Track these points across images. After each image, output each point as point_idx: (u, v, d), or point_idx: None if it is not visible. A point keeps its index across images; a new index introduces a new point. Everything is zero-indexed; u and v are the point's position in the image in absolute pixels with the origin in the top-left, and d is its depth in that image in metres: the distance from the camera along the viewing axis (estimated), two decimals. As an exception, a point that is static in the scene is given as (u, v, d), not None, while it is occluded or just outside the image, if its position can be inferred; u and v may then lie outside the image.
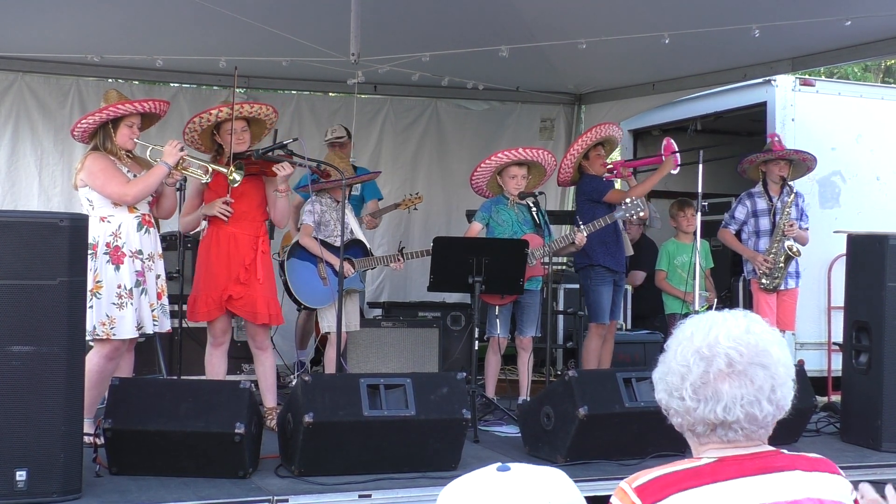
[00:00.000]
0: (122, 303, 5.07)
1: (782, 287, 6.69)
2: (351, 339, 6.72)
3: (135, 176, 5.25)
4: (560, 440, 4.95)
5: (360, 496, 4.41)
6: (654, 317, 7.97)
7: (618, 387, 5.05)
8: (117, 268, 5.09)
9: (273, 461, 4.81)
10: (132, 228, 5.17)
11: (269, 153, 5.66)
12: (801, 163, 6.86)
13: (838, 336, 6.67)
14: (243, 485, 4.47)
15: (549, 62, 8.12)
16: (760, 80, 7.98)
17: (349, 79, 7.49)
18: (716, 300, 7.26)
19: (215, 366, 5.66)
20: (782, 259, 6.62)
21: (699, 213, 6.30)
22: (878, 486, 1.92)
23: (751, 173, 6.94)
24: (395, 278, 8.87)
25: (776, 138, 6.81)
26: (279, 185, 5.62)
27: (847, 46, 7.08)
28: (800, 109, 7.96)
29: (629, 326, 8.15)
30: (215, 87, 8.87)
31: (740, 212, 6.84)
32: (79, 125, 5.27)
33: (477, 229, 6.47)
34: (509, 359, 6.92)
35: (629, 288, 8.03)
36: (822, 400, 7.00)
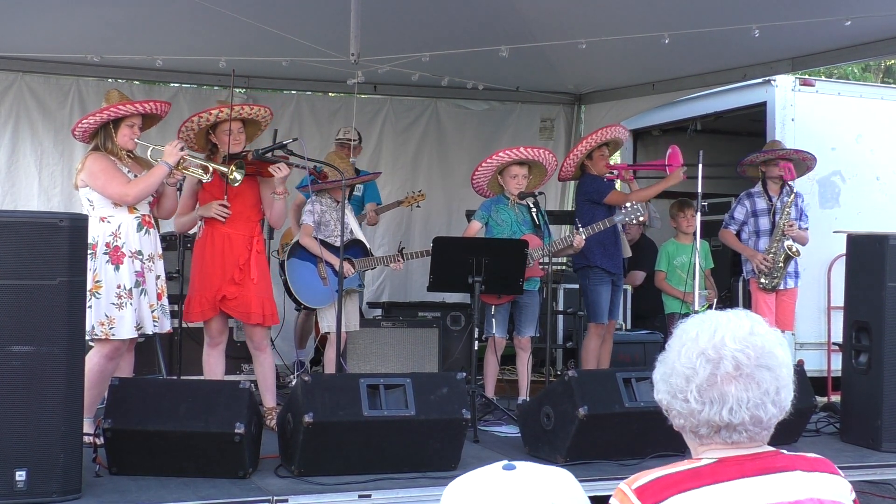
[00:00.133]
0: (122, 303, 5.07)
1: (781, 287, 6.70)
2: (351, 339, 6.72)
3: (135, 176, 5.25)
4: (560, 440, 4.95)
5: (360, 496, 4.40)
6: (654, 317, 7.97)
7: (618, 387, 5.05)
8: (117, 268, 5.09)
9: (273, 461, 4.80)
10: (132, 229, 5.17)
11: (268, 153, 5.66)
12: (801, 162, 6.86)
13: (838, 336, 6.67)
14: (243, 485, 4.47)
15: (549, 62, 8.12)
16: (760, 80, 7.99)
17: (349, 79, 7.49)
18: (716, 300, 7.27)
19: (213, 366, 5.66)
20: (782, 258, 6.62)
21: (699, 214, 6.30)
22: (879, 486, 1.92)
23: (751, 173, 6.94)
24: (395, 278, 8.87)
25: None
26: (277, 188, 5.62)
27: (847, 46, 7.09)
28: (800, 109, 7.96)
29: (629, 326, 8.15)
30: (215, 87, 8.87)
31: (740, 212, 6.85)
32: (80, 125, 5.28)
33: (476, 228, 6.47)
34: (509, 359, 6.92)
35: (629, 288, 8.04)
36: (822, 400, 7.00)
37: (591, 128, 9.03)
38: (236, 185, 5.44)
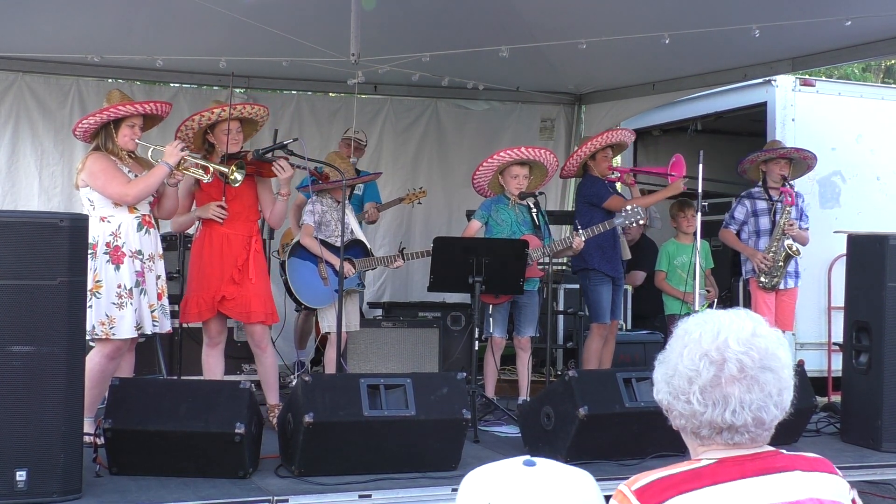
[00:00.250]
0: (122, 303, 5.07)
1: (781, 286, 6.70)
2: (351, 340, 6.72)
3: (136, 176, 5.25)
4: (560, 440, 4.95)
5: (360, 496, 4.41)
6: (654, 317, 7.97)
7: (618, 387, 5.05)
8: (117, 268, 5.09)
9: (273, 461, 4.80)
10: (132, 228, 5.18)
11: (268, 153, 5.66)
12: (802, 161, 6.86)
13: (838, 336, 6.67)
14: (243, 485, 4.47)
15: (549, 62, 8.12)
16: (760, 80, 7.99)
17: (349, 79, 7.49)
18: (716, 299, 7.27)
19: (212, 366, 5.65)
20: (782, 257, 6.62)
21: (699, 214, 6.30)
22: (879, 486, 1.92)
23: (751, 173, 6.95)
24: (396, 279, 8.87)
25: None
26: (281, 189, 5.63)
27: (847, 46, 7.09)
28: (800, 109, 7.96)
29: (629, 326, 8.16)
30: (215, 87, 8.87)
31: (740, 212, 6.85)
32: (80, 125, 5.28)
33: (475, 227, 6.47)
34: (509, 359, 6.92)
35: (629, 288, 8.04)
36: (822, 400, 7.00)
37: (591, 128, 9.05)
38: (237, 185, 5.45)
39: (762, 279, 6.66)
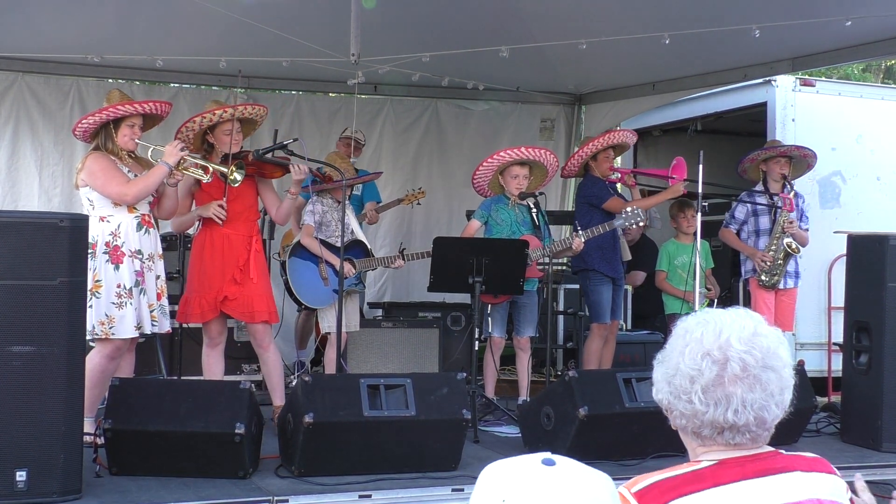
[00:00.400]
0: (122, 302, 5.07)
1: (781, 286, 6.70)
2: (351, 340, 6.71)
3: (136, 176, 5.25)
4: (560, 440, 4.95)
5: (360, 496, 4.41)
6: (654, 317, 7.97)
7: (618, 387, 5.05)
8: (116, 267, 5.09)
9: (273, 461, 4.80)
10: (131, 228, 5.18)
11: (268, 153, 5.65)
12: (802, 159, 6.86)
13: (838, 336, 6.67)
14: (243, 485, 4.47)
15: (549, 62, 8.12)
16: (760, 80, 7.99)
17: (349, 79, 7.49)
18: (716, 299, 7.27)
19: (212, 366, 5.64)
20: (781, 256, 6.62)
21: (699, 214, 6.30)
22: (879, 487, 1.92)
23: (751, 173, 6.95)
24: (397, 279, 8.88)
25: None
26: (291, 188, 5.63)
27: (847, 46, 7.09)
28: (800, 110, 7.96)
29: (629, 326, 8.16)
30: (215, 87, 8.87)
31: (740, 211, 6.86)
32: (80, 124, 5.28)
33: (475, 227, 6.47)
34: (509, 359, 6.92)
35: (629, 288, 8.04)
36: (822, 400, 7.00)
37: (591, 128, 9.05)
38: (236, 185, 5.44)
39: (763, 278, 6.66)
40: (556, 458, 1.55)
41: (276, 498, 4.28)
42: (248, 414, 4.55)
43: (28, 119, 8.06)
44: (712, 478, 1.78)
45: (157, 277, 5.31)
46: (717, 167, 7.51)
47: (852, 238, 6.10)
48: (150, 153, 5.36)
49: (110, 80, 8.07)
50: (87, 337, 4.77)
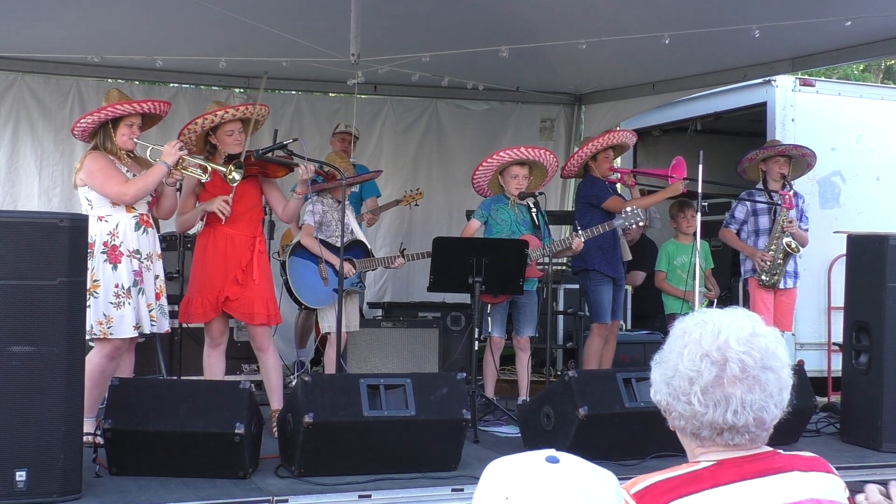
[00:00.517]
0: (120, 302, 5.06)
1: (781, 286, 6.70)
2: (351, 340, 6.71)
3: (134, 176, 5.25)
4: (560, 440, 4.95)
5: (360, 496, 4.41)
6: (654, 317, 7.97)
7: (618, 387, 5.06)
8: (115, 267, 5.09)
9: (273, 461, 4.81)
10: (130, 228, 5.17)
11: (268, 153, 5.65)
12: (801, 159, 6.86)
13: (838, 336, 6.67)
14: (243, 485, 4.47)
15: (549, 62, 8.12)
16: (760, 80, 7.99)
17: (349, 79, 7.49)
18: (716, 299, 7.27)
19: (213, 367, 5.62)
20: (781, 256, 6.62)
21: (699, 214, 6.30)
22: (883, 485, 1.91)
23: (751, 173, 6.95)
24: (397, 279, 8.88)
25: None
26: (298, 187, 5.63)
27: (847, 46, 7.09)
28: (800, 110, 7.96)
29: (629, 327, 8.15)
30: (215, 88, 8.87)
31: (740, 211, 6.86)
32: (79, 124, 5.28)
33: (475, 227, 6.47)
34: (508, 359, 6.92)
35: (629, 288, 8.04)
36: (822, 400, 7.00)
37: (591, 128, 9.05)
38: (235, 185, 5.43)
39: (763, 278, 6.66)
40: (561, 455, 1.53)
41: (276, 498, 4.28)
42: (248, 414, 4.56)
43: (28, 119, 8.06)
44: (711, 478, 1.78)
45: (156, 277, 5.31)
46: (717, 167, 7.51)
47: (852, 238, 6.10)
48: (148, 153, 5.36)
49: (110, 80, 8.06)
50: (86, 337, 4.77)
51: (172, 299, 6.05)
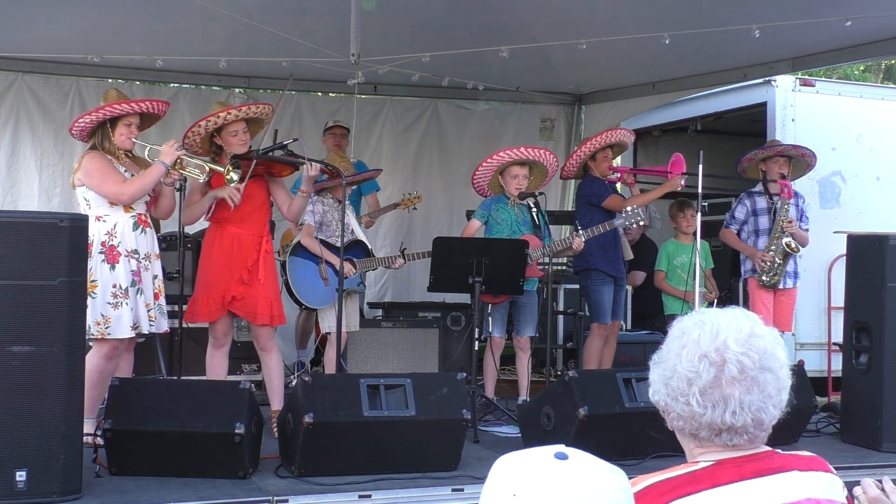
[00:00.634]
0: (118, 302, 5.06)
1: (781, 286, 6.70)
2: (351, 340, 6.71)
3: (133, 176, 5.24)
4: (560, 440, 4.90)
5: (360, 496, 4.41)
6: (654, 317, 7.97)
7: (618, 387, 5.05)
8: (112, 267, 5.08)
9: (273, 461, 4.81)
10: (128, 228, 5.17)
11: (269, 153, 5.65)
12: (801, 159, 6.86)
13: (838, 336, 6.67)
14: (243, 485, 4.47)
15: (549, 62, 8.12)
16: (760, 80, 7.99)
17: (349, 79, 7.49)
18: (716, 299, 7.27)
19: (216, 367, 5.61)
20: (780, 256, 6.62)
21: (699, 214, 6.30)
22: (878, 481, 1.92)
23: (750, 173, 6.95)
24: (397, 279, 8.88)
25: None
26: (303, 185, 5.62)
27: (847, 46, 7.09)
28: (800, 110, 7.96)
29: (629, 327, 8.15)
30: (215, 88, 8.87)
31: (740, 211, 6.86)
32: (77, 123, 5.28)
33: (475, 227, 6.47)
34: (509, 359, 6.92)
35: (629, 288, 8.03)
36: (822, 400, 7.00)
37: (591, 128, 9.05)
38: (232, 185, 5.41)
39: (763, 278, 6.66)
40: (570, 451, 1.52)
41: (276, 498, 4.28)
42: (248, 414, 4.56)
43: (28, 119, 8.06)
44: (710, 478, 1.78)
45: (155, 277, 5.30)
46: (717, 167, 7.51)
47: (852, 238, 6.10)
48: (146, 152, 5.35)
49: (110, 80, 8.06)
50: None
51: (172, 299, 6.05)
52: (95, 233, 5.07)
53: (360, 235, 6.55)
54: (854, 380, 5.92)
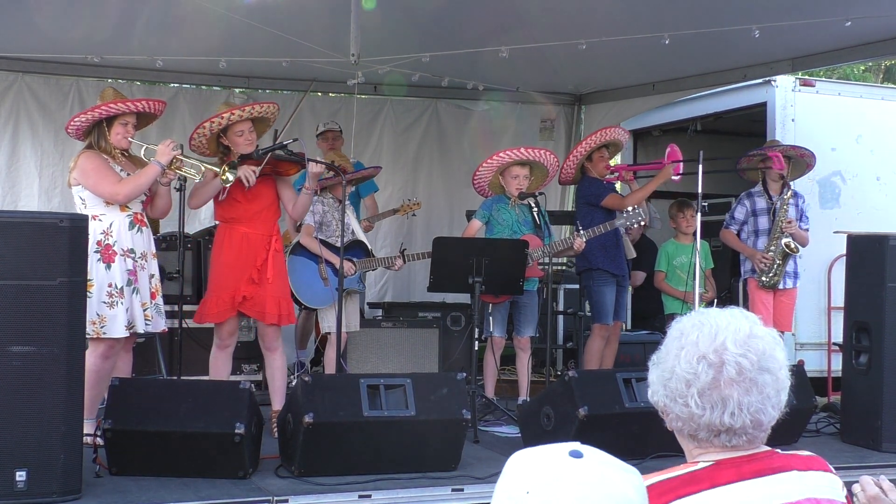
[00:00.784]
0: (113, 302, 5.05)
1: (780, 286, 6.69)
2: (351, 340, 6.71)
3: (129, 175, 5.24)
4: (560, 441, 4.93)
5: (360, 496, 4.41)
6: (654, 317, 7.96)
7: (618, 387, 5.05)
8: (108, 266, 5.08)
9: (273, 461, 4.81)
10: (124, 227, 5.17)
11: (269, 153, 5.64)
12: (800, 159, 6.86)
13: (838, 336, 6.67)
14: (243, 485, 4.47)
15: (549, 62, 8.12)
16: (760, 80, 7.99)
17: (349, 79, 7.49)
18: (715, 300, 7.27)
19: (219, 368, 5.60)
20: (780, 256, 6.62)
21: (699, 214, 6.30)
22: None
23: (750, 173, 6.95)
24: (398, 279, 8.87)
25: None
26: (307, 182, 5.62)
27: (847, 47, 7.09)
28: (800, 110, 7.96)
29: (629, 327, 8.15)
30: (215, 88, 8.86)
31: (740, 212, 6.86)
32: (73, 122, 5.28)
33: (476, 227, 6.46)
34: (509, 359, 6.92)
35: (629, 288, 8.03)
36: (822, 400, 7.00)
37: (591, 128, 9.03)
38: (228, 185, 5.40)
39: (763, 279, 6.66)
40: (585, 449, 1.51)
41: (276, 498, 4.28)
42: (248, 414, 4.56)
43: (28, 119, 8.06)
44: (709, 479, 1.78)
45: (151, 276, 5.30)
46: (716, 168, 7.50)
47: (852, 238, 6.10)
48: (143, 152, 5.34)
49: (110, 81, 8.05)
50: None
51: (172, 299, 6.05)
52: (91, 232, 5.05)
53: (361, 236, 6.55)
54: (854, 380, 5.92)
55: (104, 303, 5.04)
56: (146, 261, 5.26)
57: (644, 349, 7.66)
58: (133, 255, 5.17)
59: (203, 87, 8.97)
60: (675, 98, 8.72)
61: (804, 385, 5.53)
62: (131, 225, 5.20)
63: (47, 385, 4.08)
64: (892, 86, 15.83)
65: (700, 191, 6.19)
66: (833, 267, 7.79)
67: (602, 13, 6.91)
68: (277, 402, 5.57)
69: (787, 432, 5.16)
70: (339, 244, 5.84)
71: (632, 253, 7.13)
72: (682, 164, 6.67)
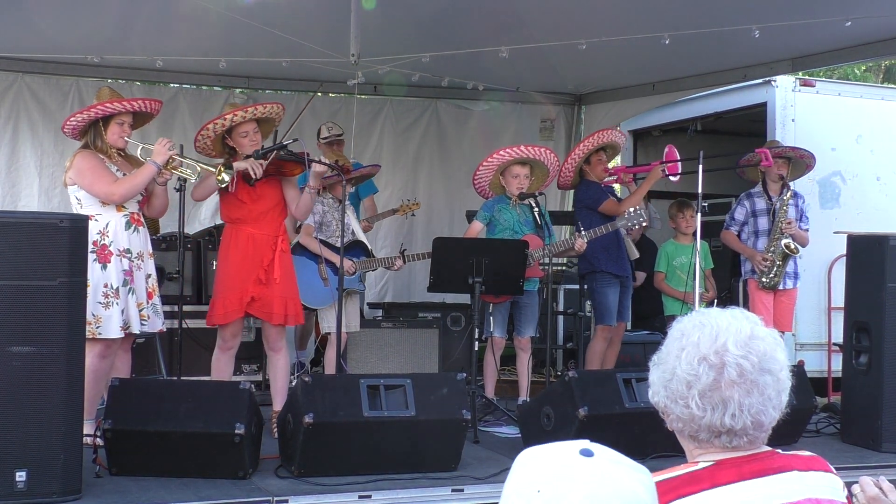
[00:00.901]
0: (108, 302, 5.04)
1: (781, 287, 6.69)
2: (351, 340, 6.71)
3: (125, 175, 5.23)
4: (560, 441, 4.94)
5: (360, 497, 4.41)
6: (654, 317, 7.96)
7: (618, 387, 5.05)
8: (104, 267, 5.07)
9: (273, 461, 4.81)
10: (120, 227, 5.16)
11: (269, 154, 5.64)
12: (800, 160, 6.86)
13: (838, 336, 6.67)
14: (243, 485, 4.48)
15: (549, 62, 8.12)
16: (760, 80, 7.99)
17: (349, 79, 7.49)
18: (715, 300, 7.26)
19: (222, 370, 5.59)
20: (780, 257, 6.62)
21: (699, 214, 6.29)
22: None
23: (750, 174, 6.94)
24: (398, 279, 8.87)
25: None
26: (311, 181, 5.61)
27: (847, 47, 7.09)
28: (800, 110, 7.96)
29: (629, 327, 8.14)
30: (215, 88, 8.86)
31: (739, 213, 6.86)
32: (69, 122, 5.28)
33: (477, 228, 6.45)
34: (509, 359, 6.92)
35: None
36: (822, 400, 7.00)
37: (591, 128, 9.03)
38: (223, 185, 5.39)
39: (763, 280, 6.66)
40: (595, 447, 1.50)
41: (275, 498, 4.29)
42: (248, 414, 4.56)
43: (28, 119, 8.06)
44: (710, 479, 1.78)
45: (148, 276, 5.29)
46: (717, 168, 7.50)
47: (852, 238, 6.11)
48: (139, 151, 5.34)
49: (110, 81, 8.03)
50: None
51: (172, 299, 6.04)
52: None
53: (361, 236, 6.55)
54: (854, 380, 5.92)
55: (100, 303, 5.03)
56: (143, 261, 5.25)
57: (644, 349, 7.65)
58: (129, 256, 5.16)
59: (203, 87, 8.97)
60: (675, 98, 8.72)
61: (804, 385, 5.53)
62: (128, 225, 5.19)
63: (47, 385, 4.08)
64: (892, 86, 15.84)
65: (700, 191, 6.19)
66: (833, 267, 7.79)
67: (602, 13, 6.91)
68: (279, 402, 5.55)
69: (787, 432, 5.16)
70: (339, 244, 5.84)
71: (635, 253, 7.12)
72: (677, 164, 6.66)
